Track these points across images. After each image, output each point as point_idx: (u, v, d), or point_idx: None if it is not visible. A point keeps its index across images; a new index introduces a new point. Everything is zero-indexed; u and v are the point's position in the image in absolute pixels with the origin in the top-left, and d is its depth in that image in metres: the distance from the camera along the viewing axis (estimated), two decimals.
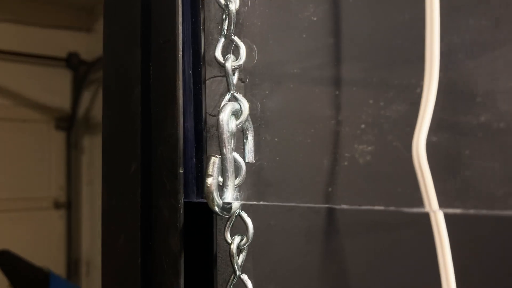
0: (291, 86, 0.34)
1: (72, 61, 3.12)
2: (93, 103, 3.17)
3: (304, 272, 0.52)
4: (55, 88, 3.10)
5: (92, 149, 3.15)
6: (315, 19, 0.32)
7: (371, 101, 0.29)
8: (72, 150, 3.15)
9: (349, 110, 0.30)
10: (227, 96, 0.36)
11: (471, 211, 0.41)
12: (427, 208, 0.41)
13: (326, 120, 0.31)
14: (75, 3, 3.15)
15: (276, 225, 0.49)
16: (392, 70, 0.30)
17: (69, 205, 3.07)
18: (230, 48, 0.38)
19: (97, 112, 3.09)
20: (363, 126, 0.29)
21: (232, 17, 0.36)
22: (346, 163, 0.30)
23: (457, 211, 0.43)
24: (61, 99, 3.12)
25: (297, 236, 0.51)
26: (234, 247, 0.35)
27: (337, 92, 0.31)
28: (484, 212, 0.39)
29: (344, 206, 0.29)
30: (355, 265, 0.53)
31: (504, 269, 0.50)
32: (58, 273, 2.82)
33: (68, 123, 3.12)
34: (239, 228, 0.39)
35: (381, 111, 0.28)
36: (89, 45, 3.22)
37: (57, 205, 3.07)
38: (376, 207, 0.29)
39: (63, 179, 3.09)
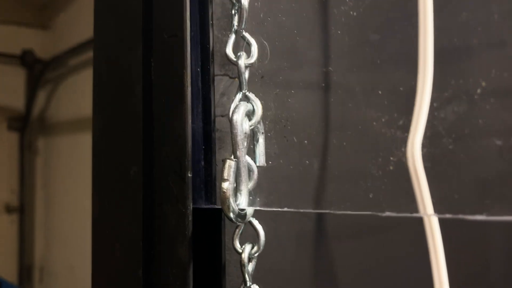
0: (323, 85, 0.32)
1: (26, 59, 2.96)
2: (49, 103, 3.03)
3: (297, 276, 0.50)
4: (8, 87, 2.94)
5: (48, 151, 3.00)
6: (354, 14, 0.30)
7: None
8: (26, 152, 2.99)
9: (395, 111, 0.29)
10: (239, 96, 0.34)
11: (467, 217, 0.40)
12: (421, 213, 0.40)
13: (366, 122, 0.30)
14: None
15: (269, 231, 0.47)
16: (448, 67, 0.29)
17: (21, 209, 2.91)
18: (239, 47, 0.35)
19: (53, 113, 2.95)
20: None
21: (244, 12, 0.34)
22: (391, 167, 0.28)
23: (454, 216, 0.42)
24: (14, 98, 2.96)
25: (289, 241, 0.50)
26: (245, 256, 0.33)
27: (380, 92, 0.29)
28: (480, 217, 0.39)
29: (388, 213, 0.28)
30: (347, 269, 0.52)
31: (496, 273, 0.50)
32: (10, 280, 2.67)
33: (22, 124, 2.96)
34: (243, 234, 0.36)
35: (434, 113, 0.27)
36: (46, 42, 3.07)
37: (8, 209, 2.90)
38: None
39: (16, 182, 2.92)
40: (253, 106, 0.34)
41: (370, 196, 0.29)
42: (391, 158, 0.29)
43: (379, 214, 0.31)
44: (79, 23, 2.75)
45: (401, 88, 0.29)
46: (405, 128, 0.28)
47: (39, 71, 2.97)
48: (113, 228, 0.36)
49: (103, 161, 0.38)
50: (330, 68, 0.32)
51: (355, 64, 0.32)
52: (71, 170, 2.74)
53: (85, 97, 2.60)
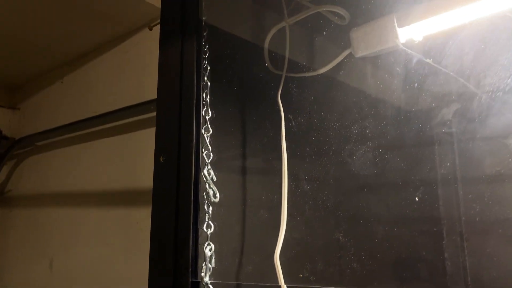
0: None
1: None
2: (10, 178, 3.55)
3: None
4: None
5: (4, 222, 3.46)
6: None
7: None
8: None
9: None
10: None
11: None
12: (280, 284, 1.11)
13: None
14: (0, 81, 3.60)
15: None
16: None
17: None
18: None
19: (13, 187, 3.46)
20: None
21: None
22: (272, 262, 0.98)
23: (299, 285, 1.12)
24: None
25: None
26: None
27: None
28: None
29: (268, 284, 0.97)
30: None
31: None
32: None
33: None
34: None
35: (289, 235, 0.98)
36: (13, 122, 3.65)
37: None
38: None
39: None
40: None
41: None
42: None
43: (258, 284, 1.00)
44: (45, 107, 3.38)
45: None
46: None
47: (4, 148, 3.52)
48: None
49: (155, 269, 1.05)
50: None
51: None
52: (25, 242, 3.23)
53: (45, 175, 3.17)
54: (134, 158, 2.42)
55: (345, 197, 0.89)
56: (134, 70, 2.51)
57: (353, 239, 0.84)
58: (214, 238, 1.02)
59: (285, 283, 1.02)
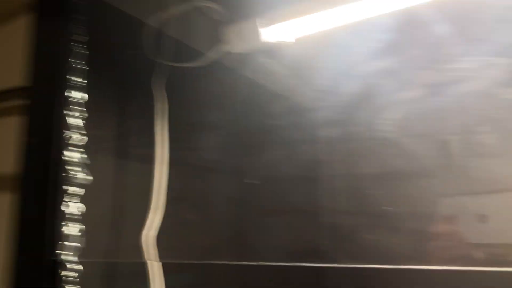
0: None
1: None
2: None
3: None
4: None
5: None
6: None
7: None
8: None
9: None
10: None
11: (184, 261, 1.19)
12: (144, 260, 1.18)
13: None
14: None
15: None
16: None
17: None
18: None
19: None
20: None
21: None
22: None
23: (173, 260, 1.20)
24: None
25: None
26: None
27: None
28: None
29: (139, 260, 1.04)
30: None
31: None
32: None
33: None
34: None
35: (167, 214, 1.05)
36: None
37: None
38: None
39: None
40: None
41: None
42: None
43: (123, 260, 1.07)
44: None
45: None
46: None
47: None
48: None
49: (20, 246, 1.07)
50: None
51: None
52: None
53: None
54: None
55: (197, 181, 0.99)
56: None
57: (202, 218, 0.94)
58: (82, 218, 1.07)
59: (148, 259, 1.11)
